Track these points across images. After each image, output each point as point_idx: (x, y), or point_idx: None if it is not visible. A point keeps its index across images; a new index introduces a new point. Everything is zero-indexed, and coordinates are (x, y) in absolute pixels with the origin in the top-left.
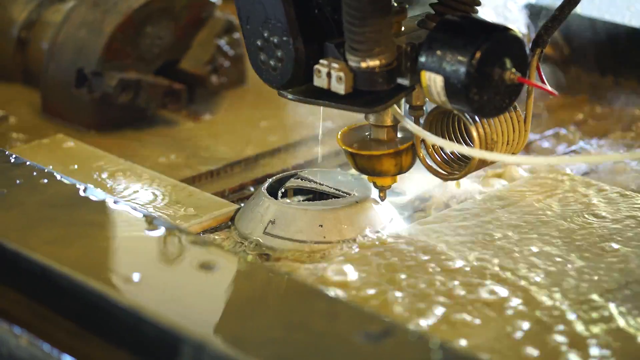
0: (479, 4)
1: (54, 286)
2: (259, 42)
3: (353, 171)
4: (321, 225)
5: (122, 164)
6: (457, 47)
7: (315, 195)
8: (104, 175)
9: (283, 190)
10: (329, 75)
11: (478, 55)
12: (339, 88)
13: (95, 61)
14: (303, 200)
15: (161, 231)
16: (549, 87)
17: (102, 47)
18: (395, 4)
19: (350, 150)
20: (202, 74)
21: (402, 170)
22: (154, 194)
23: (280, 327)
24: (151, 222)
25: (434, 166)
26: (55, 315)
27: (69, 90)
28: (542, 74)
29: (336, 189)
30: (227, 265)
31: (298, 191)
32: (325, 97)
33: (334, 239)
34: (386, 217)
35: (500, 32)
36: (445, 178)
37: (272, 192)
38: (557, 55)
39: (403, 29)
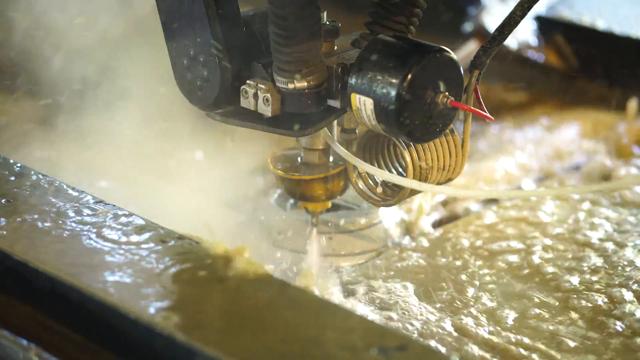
0: (415, 23)
1: (63, 299)
2: (185, 61)
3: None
4: (331, 238)
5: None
6: (388, 68)
7: None
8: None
9: (292, 201)
10: (255, 96)
11: (409, 77)
12: (266, 110)
13: None
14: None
15: (170, 243)
16: (485, 112)
17: None
18: (327, 23)
19: (279, 173)
20: None
21: (333, 195)
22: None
23: (294, 341)
24: (161, 232)
25: (367, 191)
26: (65, 328)
27: None
28: (480, 96)
29: (345, 201)
30: (239, 277)
31: None
32: (253, 119)
33: (343, 251)
34: (395, 230)
35: (433, 53)
36: (378, 204)
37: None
38: None
39: (336, 48)
